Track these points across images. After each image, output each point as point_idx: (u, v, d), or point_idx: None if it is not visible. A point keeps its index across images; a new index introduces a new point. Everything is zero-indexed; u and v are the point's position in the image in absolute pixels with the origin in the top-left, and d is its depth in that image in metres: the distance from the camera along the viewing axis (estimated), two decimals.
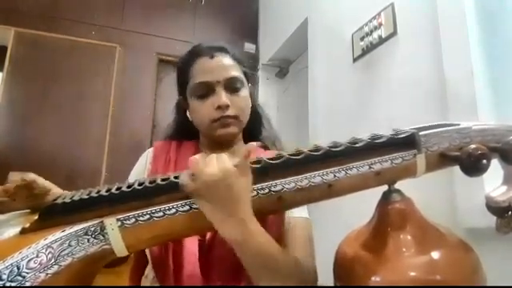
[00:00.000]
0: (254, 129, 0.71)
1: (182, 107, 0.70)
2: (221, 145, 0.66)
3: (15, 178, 0.45)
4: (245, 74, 0.68)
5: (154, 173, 0.63)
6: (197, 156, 0.42)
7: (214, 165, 0.41)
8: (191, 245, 0.56)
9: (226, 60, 0.64)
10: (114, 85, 1.99)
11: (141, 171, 0.68)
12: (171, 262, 0.56)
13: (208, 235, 0.57)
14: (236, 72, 0.64)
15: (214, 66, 0.63)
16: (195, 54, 0.66)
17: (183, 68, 0.67)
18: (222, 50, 0.66)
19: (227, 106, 0.61)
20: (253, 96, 0.70)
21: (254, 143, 0.44)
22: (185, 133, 0.71)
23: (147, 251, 0.60)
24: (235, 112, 0.63)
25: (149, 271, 0.61)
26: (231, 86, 0.63)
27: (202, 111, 0.63)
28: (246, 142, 0.71)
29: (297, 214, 0.59)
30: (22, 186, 0.46)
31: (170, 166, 0.64)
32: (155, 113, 2.08)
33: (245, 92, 0.65)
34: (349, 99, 1.34)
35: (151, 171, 0.65)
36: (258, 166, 0.43)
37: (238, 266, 0.54)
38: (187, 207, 0.41)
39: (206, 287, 0.54)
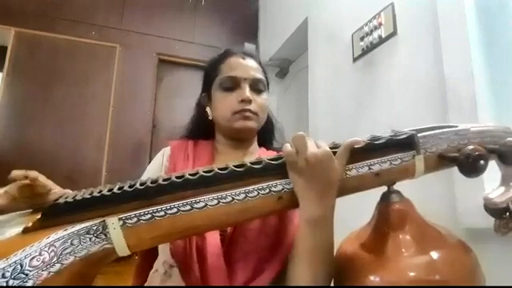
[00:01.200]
0: (266, 137, 0.77)
1: (202, 105, 0.74)
2: (236, 145, 0.70)
3: (18, 173, 0.46)
4: (267, 83, 0.74)
5: (172, 170, 0.65)
6: (302, 133, 0.44)
7: (315, 146, 0.43)
8: (213, 238, 0.57)
9: (255, 64, 0.71)
10: (114, 85, 1.99)
11: (157, 169, 0.69)
12: (195, 254, 0.56)
13: (229, 229, 0.58)
14: (261, 76, 0.71)
15: (243, 64, 0.70)
16: (228, 53, 0.72)
17: (213, 64, 0.72)
18: (252, 55, 0.73)
19: (250, 101, 0.66)
20: (269, 106, 0.76)
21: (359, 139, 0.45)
22: (201, 132, 0.74)
23: (162, 246, 0.60)
24: (256, 109, 0.67)
25: (159, 266, 0.61)
26: (255, 87, 0.69)
27: (225, 103, 0.68)
28: (261, 146, 0.75)
29: None
30: (24, 186, 0.47)
31: (189, 162, 0.67)
32: (155, 113, 2.08)
33: (265, 96, 0.71)
34: (349, 99, 1.34)
35: (169, 168, 0.67)
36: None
37: (261, 259, 0.56)
38: (188, 207, 0.41)
39: (210, 287, 0.54)
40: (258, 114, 0.67)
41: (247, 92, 0.66)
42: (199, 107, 0.75)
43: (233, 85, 0.68)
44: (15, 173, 0.46)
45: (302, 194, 0.42)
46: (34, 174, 0.47)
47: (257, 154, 0.70)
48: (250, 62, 0.70)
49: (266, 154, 0.68)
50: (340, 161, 0.42)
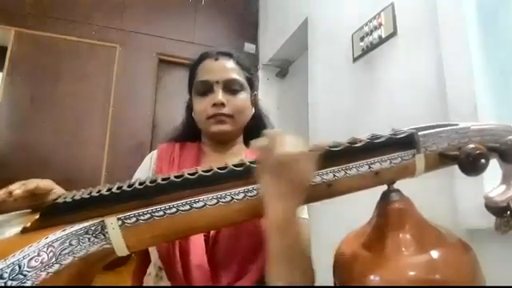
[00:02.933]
0: (253, 135, 0.74)
1: (189, 107, 0.75)
2: (222, 146, 0.70)
3: (17, 192, 0.45)
4: (249, 80, 0.72)
5: (159, 173, 0.65)
6: (276, 130, 0.43)
7: (291, 144, 0.41)
8: (196, 239, 0.57)
9: (229, 63, 0.70)
10: (114, 85, 1.99)
11: (145, 171, 0.71)
12: (178, 255, 0.57)
13: (212, 232, 0.58)
14: (236, 75, 0.69)
15: (216, 67, 0.69)
16: (203, 56, 0.72)
17: (192, 68, 0.73)
18: (228, 54, 0.71)
19: (222, 104, 0.66)
20: (258, 103, 0.76)
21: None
22: (190, 134, 0.74)
23: (151, 248, 0.60)
24: (230, 111, 0.67)
25: (151, 269, 0.62)
26: (229, 88, 0.68)
27: (200, 107, 0.68)
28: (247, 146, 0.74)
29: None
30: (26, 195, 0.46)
31: (174, 166, 0.67)
32: (155, 113, 2.08)
33: (243, 95, 0.69)
34: (349, 99, 1.34)
35: (156, 171, 0.68)
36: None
37: (245, 260, 0.55)
38: (187, 207, 0.41)
39: (209, 287, 0.54)
40: (234, 116, 0.67)
41: (219, 95, 0.66)
42: (187, 110, 0.76)
43: (206, 89, 0.67)
44: (16, 193, 0.45)
45: (269, 193, 0.41)
46: (32, 185, 0.46)
47: (243, 154, 0.70)
48: (224, 63, 0.69)
49: (253, 154, 0.68)
50: (314, 162, 0.41)
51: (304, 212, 0.61)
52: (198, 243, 0.57)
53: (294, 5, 1.93)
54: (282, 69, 2.27)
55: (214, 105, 0.66)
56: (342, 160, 0.41)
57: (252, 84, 0.73)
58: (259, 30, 2.41)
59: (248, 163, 0.43)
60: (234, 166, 0.44)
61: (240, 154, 0.69)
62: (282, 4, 2.13)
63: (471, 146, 0.38)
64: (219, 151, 0.71)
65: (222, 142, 0.70)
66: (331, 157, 0.42)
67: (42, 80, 1.87)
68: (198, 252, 0.56)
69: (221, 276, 0.55)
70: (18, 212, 0.46)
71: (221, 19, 2.32)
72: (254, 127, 0.73)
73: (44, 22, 1.92)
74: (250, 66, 0.74)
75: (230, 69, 0.69)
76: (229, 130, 0.67)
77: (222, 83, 0.67)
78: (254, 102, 0.75)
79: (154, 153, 0.74)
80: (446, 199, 0.84)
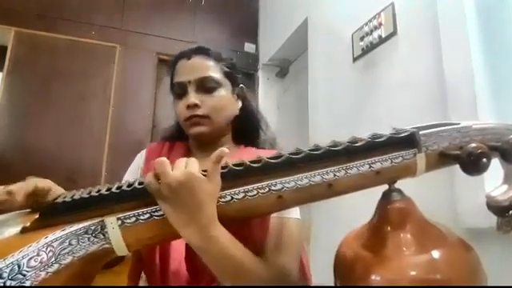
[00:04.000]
0: (250, 131, 0.73)
1: None
2: (207, 146, 0.68)
3: (17, 192, 0.44)
4: (229, 74, 0.68)
5: (146, 173, 0.64)
6: (163, 158, 0.42)
7: (181, 168, 0.41)
8: (178, 244, 0.57)
9: (203, 61, 0.66)
10: (114, 85, 1.99)
11: (135, 171, 0.71)
12: (158, 259, 0.57)
13: None
14: (211, 73, 0.66)
15: (188, 66, 0.66)
16: (177, 56, 0.70)
17: (170, 70, 0.71)
18: (202, 51, 0.67)
19: (195, 106, 0.64)
20: (246, 96, 0.72)
21: (226, 149, 0.43)
22: (179, 134, 0.73)
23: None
24: (206, 112, 0.64)
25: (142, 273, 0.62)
26: (204, 86, 0.65)
27: (177, 110, 0.67)
28: (241, 144, 0.72)
29: (285, 215, 0.58)
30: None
31: None
32: (155, 113, 2.08)
33: (221, 92, 0.66)
34: (349, 99, 1.34)
35: (144, 171, 0.67)
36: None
37: None
38: None
39: (195, 287, 0.54)
40: (210, 117, 0.64)
41: (191, 97, 0.63)
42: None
43: (180, 91, 0.66)
44: (15, 194, 0.44)
45: (175, 222, 0.40)
46: (30, 186, 0.45)
47: (232, 154, 0.67)
48: (197, 61, 0.66)
49: (243, 153, 0.67)
50: (211, 178, 0.41)
51: (296, 212, 0.60)
52: (177, 249, 0.56)
53: (294, 5, 1.93)
54: (282, 69, 2.27)
55: (188, 107, 0.64)
56: (342, 159, 0.41)
57: (233, 78, 0.69)
58: (259, 30, 2.41)
59: (248, 163, 0.43)
60: (234, 165, 0.44)
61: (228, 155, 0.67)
62: (281, 4, 2.13)
63: (473, 145, 0.37)
64: (206, 151, 0.68)
65: (206, 143, 0.68)
66: (331, 156, 0.41)
67: (42, 80, 1.87)
68: (177, 257, 0.56)
69: (198, 279, 0.55)
70: (17, 212, 0.46)
71: (221, 19, 2.32)
72: (243, 123, 0.71)
73: (44, 22, 1.91)
74: (228, 59, 0.70)
75: (203, 67, 0.66)
76: (206, 131, 0.65)
77: (194, 83, 0.64)
78: (241, 96, 0.71)
79: (143, 152, 0.73)
80: (446, 199, 0.84)
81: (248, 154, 0.57)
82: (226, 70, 0.68)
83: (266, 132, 0.74)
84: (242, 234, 0.54)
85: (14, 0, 1.89)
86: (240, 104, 0.71)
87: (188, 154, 0.70)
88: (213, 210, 0.41)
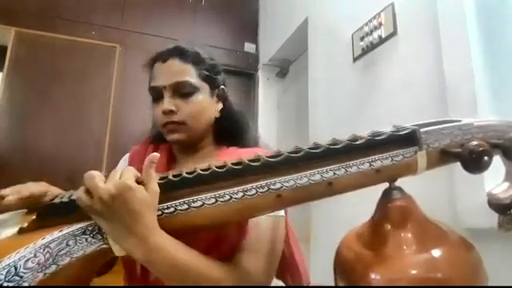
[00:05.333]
0: (232, 132, 0.71)
1: None
2: (187, 149, 0.66)
3: (10, 198, 0.44)
4: (207, 77, 0.65)
5: None
6: (92, 171, 0.40)
7: (114, 179, 0.39)
8: None
9: (178, 64, 0.63)
10: (114, 85, 1.99)
11: None
12: (139, 269, 0.56)
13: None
14: (187, 77, 0.62)
15: (163, 70, 0.63)
16: (153, 58, 0.66)
17: (148, 72, 0.68)
18: (178, 53, 0.64)
19: (171, 112, 0.61)
20: (226, 98, 0.70)
21: (156, 154, 0.43)
22: (162, 135, 0.70)
23: None
24: (182, 118, 0.62)
25: None
26: (180, 92, 0.62)
27: (154, 115, 0.64)
28: (223, 145, 0.70)
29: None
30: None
31: None
32: None
33: (198, 97, 0.63)
34: (349, 99, 1.34)
35: None
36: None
37: None
38: (186, 206, 0.41)
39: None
40: (187, 123, 0.62)
41: (166, 103, 0.61)
42: None
43: (156, 95, 0.63)
44: (8, 200, 0.44)
45: (114, 236, 0.39)
46: (26, 192, 0.45)
47: (213, 156, 0.66)
48: (173, 64, 0.62)
49: (224, 154, 0.66)
50: (146, 186, 0.40)
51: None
52: None
53: (294, 5, 1.93)
54: (282, 69, 2.27)
55: (163, 113, 0.61)
56: (342, 158, 0.41)
57: (213, 80, 0.66)
58: (259, 30, 2.41)
59: (247, 162, 0.42)
60: (233, 164, 0.43)
61: (210, 156, 0.66)
62: (281, 4, 2.13)
63: (474, 142, 0.37)
64: (187, 154, 0.67)
65: (186, 147, 0.66)
66: (331, 154, 0.41)
67: (42, 80, 1.87)
68: None
69: None
70: (14, 212, 0.46)
71: (221, 19, 2.32)
72: (224, 124, 0.69)
73: (44, 22, 1.91)
74: (208, 60, 0.66)
75: (178, 71, 0.62)
76: (182, 138, 0.63)
77: (170, 88, 0.61)
78: (222, 97, 0.69)
79: (127, 156, 0.72)
80: (446, 198, 0.84)
81: (230, 155, 0.56)
82: (205, 72, 0.65)
83: (249, 131, 0.72)
84: (217, 236, 0.53)
85: (14, 0, 1.89)
86: (220, 105, 0.69)
87: (171, 155, 0.69)
88: (151, 218, 0.40)
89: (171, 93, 0.62)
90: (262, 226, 0.55)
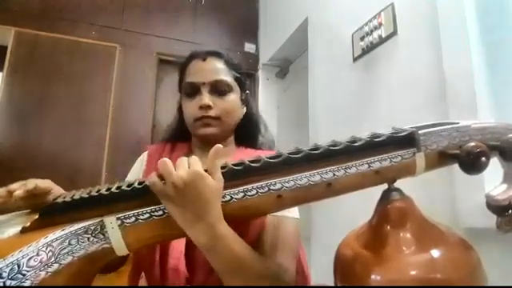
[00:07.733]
0: (249, 134, 0.74)
1: (180, 107, 0.73)
2: (210, 147, 0.67)
3: (18, 192, 0.45)
4: (238, 80, 0.70)
5: (149, 175, 0.65)
6: (166, 158, 0.42)
7: (184, 167, 0.41)
8: (177, 243, 0.57)
9: (217, 64, 0.68)
10: (114, 85, 1.99)
11: (137, 173, 0.71)
12: (158, 257, 0.58)
13: None
14: (224, 76, 0.67)
15: (203, 68, 0.67)
16: (192, 55, 0.70)
17: (181, 67, 0.71)
18: (216, 54, 0.69)
19: (209, 107, 0.65)
20: (249, 102, 0.74)
21: (220, 145, 0.44)
22: (181, 134, 0.73)
23: None
24: (218, 113, 0.66)
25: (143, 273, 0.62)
26: (217, 89, 0.66)
27: (187, 109, 0.68)
28: (242, 146, 0.73)
29: (281, 214, 0.58)
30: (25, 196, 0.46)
31: None
32: (155, 113, 2.08)
33: (232, 96, 0.68)
34: (349, 99, 1.34)
35: (146, 173, 0.68)
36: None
37: None
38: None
39: (192, 287, 0.55)
40: (221, 119, 0.66)
41: (206, 98, 0.64)
42: (179, 109, 0.75)
43: (193, 91, 0.66)
44: (16, 194, 0.45)
45: (182, 222, 0.40)
46: (31, 185, 0.46)
47: (233, 155, 0.69)
48: (212, 64, 0.67)
49: (243, 154, 0.68)
50: (213, 176, 0.41)
51: (295, 211, 0.61)
52: (177, 246, 0.57)
53: (294, 5, 1.93)
54: (282, 69, 2.27)
55: (201, 107, 0.65)
56: (341, 159, 0.41)
57: (242, 84, 0.71)
58: (259, 30, 2.41)
59: (248, 162, 0.43)
60: (234, 165, 0.44)
61: (230, 156, 0.68)
62: (281, 4, 2.13)
63: (472, 144, 0.37)
64: (207, 152, 0.69)
65: (210, 144, 0.68)
66: (331, 156, 0.41)
67: (42, 80, 1.87)
68: (176, 255, 0.57)
69: (196, 273, 0.56)
70: (17, 212, 0.46)
71: (221, 19, 2.32)
72: (246, 127, 0.73)
73: (44, 22, 1.91)
74: (239, 65, 0.72)
75: (217, 70, 0.67)
76: (215, 132, 0.66)
77: (208, 85, 0.66)
78: (246, 102, 0.73)
79: (145, 154, 0.73)
80: (446, 199, 0.84)
81: (248, 155, 0.58)
82: (237, 75, 0.70)
83: (265, 134, 0.76)
84: (239, 232, 0.54)
85: (14, 0, 1.89)
86: (245, 110, 0.73)
87: (190, 154, 0.70)
88: (219, 207, 0.41)
89: (209, 89, 0.66)
90: (289, 226, 0.58)
